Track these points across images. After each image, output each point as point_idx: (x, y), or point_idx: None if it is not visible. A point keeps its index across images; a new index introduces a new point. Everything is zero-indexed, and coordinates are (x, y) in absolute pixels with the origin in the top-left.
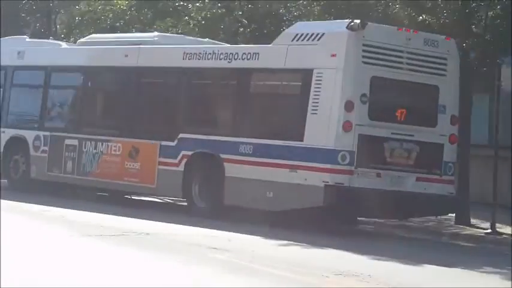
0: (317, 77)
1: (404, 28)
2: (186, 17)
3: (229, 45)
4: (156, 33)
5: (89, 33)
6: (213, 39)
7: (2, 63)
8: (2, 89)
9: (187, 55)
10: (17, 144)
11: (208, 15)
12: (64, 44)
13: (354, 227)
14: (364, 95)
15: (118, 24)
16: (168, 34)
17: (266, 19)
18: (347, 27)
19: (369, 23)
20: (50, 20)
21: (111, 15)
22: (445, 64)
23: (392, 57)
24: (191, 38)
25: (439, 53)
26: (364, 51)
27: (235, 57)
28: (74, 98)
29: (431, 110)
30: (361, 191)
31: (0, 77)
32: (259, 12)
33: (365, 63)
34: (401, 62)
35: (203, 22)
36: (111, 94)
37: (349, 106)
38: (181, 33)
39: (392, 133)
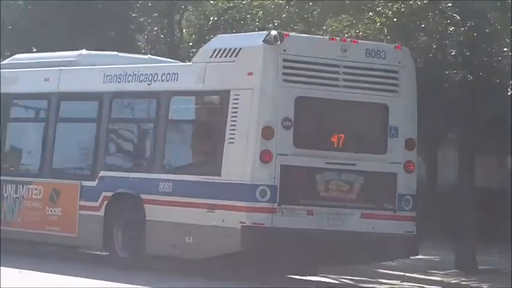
0: (234, 99)
1: (339, 38)
2: (371, 13)
3: (153, 63)
4: (82, 52)
5: None
6: (407, 42)
7: None
8: None
9: (108, 77)
10: None
11: (403, 9)
12: None
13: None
14: (286, 119)
15: (270, 25)
16: (97, 52)
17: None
18: (263, 41)
19: (291, 34)
20: (171, 21)
21: (260, 13)
22: (395, 78)
23: (324, 73)
24: (126, 55)
25: (387, 65)
26: (285, 67)
27: (155, 78)
28: None
29: (378, 134)
30: (287, 232)
31: None
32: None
33: (287, 81)
34: (336, 79)
35: (395, 19)
36: (31, 125)
37: (267, 133)
38: (362, 35)
39: (326, 162)
